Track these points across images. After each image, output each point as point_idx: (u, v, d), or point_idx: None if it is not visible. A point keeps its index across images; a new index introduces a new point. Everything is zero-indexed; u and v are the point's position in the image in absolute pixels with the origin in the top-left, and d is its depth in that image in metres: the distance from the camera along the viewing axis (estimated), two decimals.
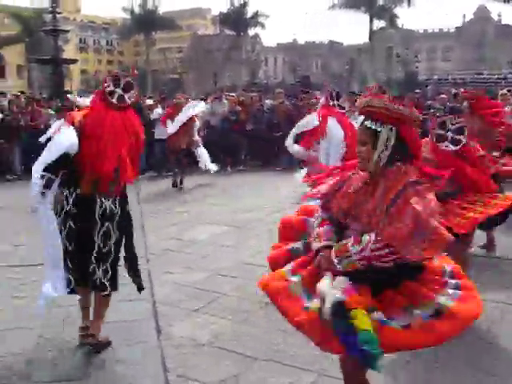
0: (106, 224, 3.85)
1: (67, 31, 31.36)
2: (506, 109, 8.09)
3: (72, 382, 3.57)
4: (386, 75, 56.88)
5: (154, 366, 3.78)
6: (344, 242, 2.56)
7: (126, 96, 3.91)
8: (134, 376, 3.63)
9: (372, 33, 50.00)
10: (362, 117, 2.67)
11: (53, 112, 13.19)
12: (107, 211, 3.84)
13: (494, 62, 55.75)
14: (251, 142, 13.83)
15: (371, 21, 48.82)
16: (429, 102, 14.99)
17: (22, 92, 17.97)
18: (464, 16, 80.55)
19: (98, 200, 3.80)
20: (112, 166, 3.74)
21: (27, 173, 12.38)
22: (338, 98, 7.34)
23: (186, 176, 11.14)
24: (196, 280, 5.44)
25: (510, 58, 53.45)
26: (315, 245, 2.66)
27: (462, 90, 12.24)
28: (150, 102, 14.17)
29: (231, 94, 15.99)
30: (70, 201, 3.82)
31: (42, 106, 13.76)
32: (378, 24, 54.13)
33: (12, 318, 4.59)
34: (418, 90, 18.36)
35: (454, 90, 15.04)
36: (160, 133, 12.09)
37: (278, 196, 9.66)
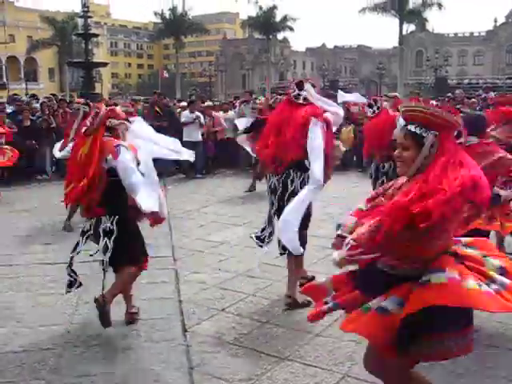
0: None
1: (97, 35, 31.87)
2: None
3: (98, 377, 3.62)
4: (416, 79, 56.42)
5: (179, 363, 3.81)
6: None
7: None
8: (159, 373, 3.67)
9: (402, 37, 49.52)
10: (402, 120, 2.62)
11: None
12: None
13: None
14: None
15: (401, 24, 48.33)
16: (458, 107, 14.81)
17: (54, 95, 18.31)
18: (495, 20, 79.44)
19: None
20: None
21: (57, 174, 12.69)
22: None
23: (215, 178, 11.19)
24: (222, 280, 5.47)
25: None
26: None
27: (493, 94, 12.12)
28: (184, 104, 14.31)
29: (260, 97, 16.01)
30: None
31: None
32: (408, 28, 53.67)
33: (41, 315, 4.68)
34: (449, 94, 18.18)
35: (483, 95, 14.86)
36: (188, 135, 12.22)
37: None
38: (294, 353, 3.93)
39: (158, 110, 13.08)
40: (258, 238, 5.12)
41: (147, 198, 4.10)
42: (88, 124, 4.24)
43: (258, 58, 74.44)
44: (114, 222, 4.16)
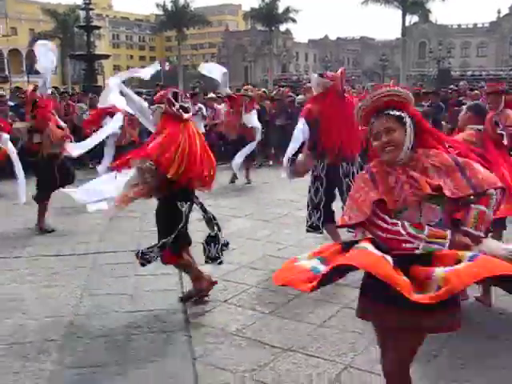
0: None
1: (99, 27, 31.84)
2: None
3: (101, 368, 3.65)
4: (419, 71, 56.23)
5: (182, 354, 3.83)
6: (474, 212, 2.53)
7: None
8: (161, 364, 3.69)
9: (405, 28, 49.35)
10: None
11: (85, 107, 13.44)
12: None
13: None
14: (281, 136, 13.80)
15: (404, 16, 48.17)
16: (460, 98, 14.79)
17: (56, 87, 18.30)
18: (499, 11, 79.08)
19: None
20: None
21: None
22: None
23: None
24: (225, 272, 5.49)
25: None
26: (441, 242, 2.48)
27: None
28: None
29: (261, 89, 15.97)
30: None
31: (75, 101, 14.00)
32: (411, 19, 53.50)
33: (46, 306, 4.71)
34: (451, 86, 18.13)
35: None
36: None
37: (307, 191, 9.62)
38: (297, 344, 3.94)
39: None
40: (311, 227, 5.74)
41: None
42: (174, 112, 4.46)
43: (260, 50, 74.35)
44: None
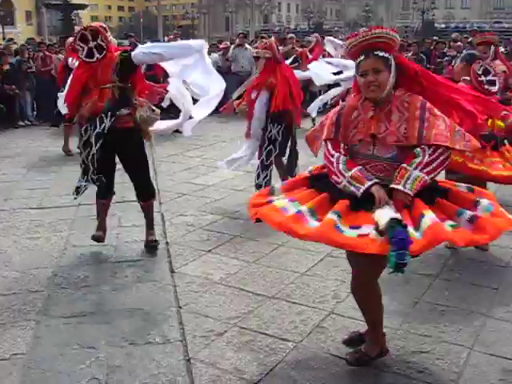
0: None
1: None
2: None
3: (86, 317, 3.66)
4: (403, 22, 55.60)
5: (167, 303, 3.86)
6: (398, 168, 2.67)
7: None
8: (147, 313, 3.72)
9: None
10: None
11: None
12: None
13: None
14: None
15: None
16: (444, 50, 14.70)
17: (32, 38, 17.81)
18: None
19: None
20: None
21: (39, 119, 12.49)
22: None
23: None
24: (208, 222, 5.50)
25: None
26: (358, 186, 2.68)
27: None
28: None
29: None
30: None
31: (53, 53, 13.64)
32: None
33: (29, 258, 4.70)
34: (435, 38, 17.98)
35: (470, 38, 14.70)
36: None
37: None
38: (281, 291, 3.99)
39: None
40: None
41: None
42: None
43: (241, 0, 72.76)
44: None
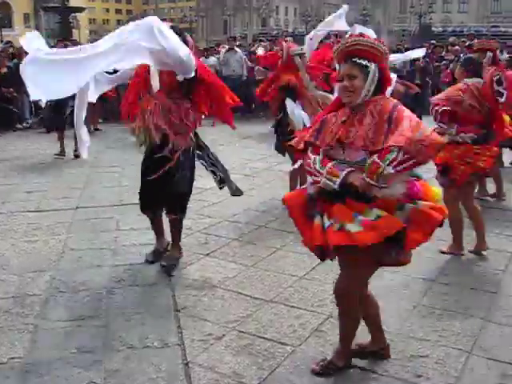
0: None
1: None
2: None
3: (85, 321, 3.65)
4: (400, 26, 55.69)
5: (165, 307, 3.86)
6: (369, 161, 2.68)
7: None
8: (145, 317, 3.71)
9: None
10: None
11: None
12: None
13: None
14: None
15: None
16: (442, 54, 14.74)
17: None
18: None
19: None
20: None
21: (37, 122, 12.45)
22: None
23: None
24: (206, 226, 5.50)
25: None
26: (334, 179, 2.74)
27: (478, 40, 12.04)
28: None
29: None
30: None
31: None
32: None
33: (27, 262, 4.68)
34: (433, 41, 18.01)
35: (468, 42, 14.74)
36: None
37: None
38: (279, 295, 3.99)
39: None
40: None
41: None
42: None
43: (239, 3, 72.89)
44: None
